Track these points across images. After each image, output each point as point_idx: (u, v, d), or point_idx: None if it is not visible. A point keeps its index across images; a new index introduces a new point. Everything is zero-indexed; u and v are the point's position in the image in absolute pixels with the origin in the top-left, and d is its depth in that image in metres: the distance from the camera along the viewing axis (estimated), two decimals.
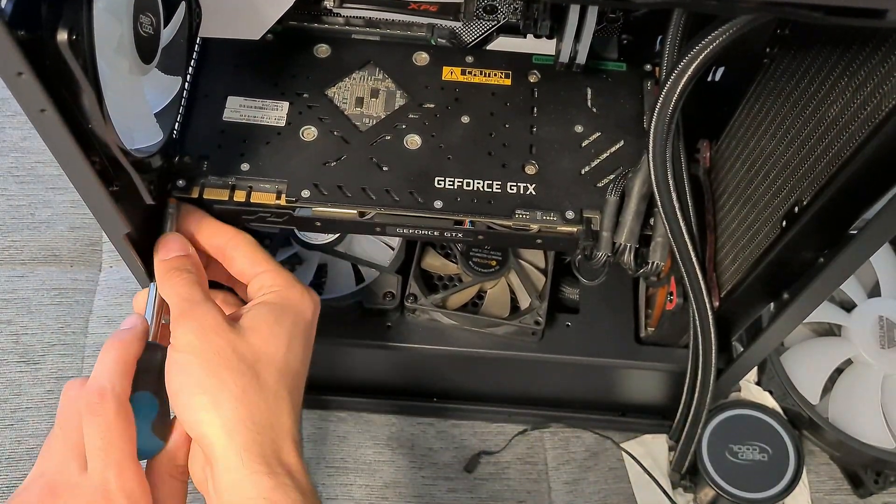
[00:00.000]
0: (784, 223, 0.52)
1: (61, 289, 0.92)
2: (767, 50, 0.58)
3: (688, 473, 0.81)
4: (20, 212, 0.96)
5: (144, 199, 0.51)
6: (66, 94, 0.40)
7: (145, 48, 0.48)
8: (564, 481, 0.85)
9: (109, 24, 0.44)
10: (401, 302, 0.70)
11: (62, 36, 0.38)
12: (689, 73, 0.47)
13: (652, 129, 0.51)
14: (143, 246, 0.53)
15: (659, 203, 0.54)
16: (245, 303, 0.56)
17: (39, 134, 0.41)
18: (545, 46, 0.61)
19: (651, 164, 0.53)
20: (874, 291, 0.87)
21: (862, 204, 0.48)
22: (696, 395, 0.68)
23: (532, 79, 0.61)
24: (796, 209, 0.50)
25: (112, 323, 0.90)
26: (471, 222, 0.57)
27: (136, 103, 0.49)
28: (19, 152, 0.99)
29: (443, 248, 0.74)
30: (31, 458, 0.82)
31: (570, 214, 0.56)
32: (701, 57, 0.45)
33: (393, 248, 0.72)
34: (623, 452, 0.84)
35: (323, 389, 0.83)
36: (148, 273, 0.55)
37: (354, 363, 0.79)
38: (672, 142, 0.52)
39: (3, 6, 0.35)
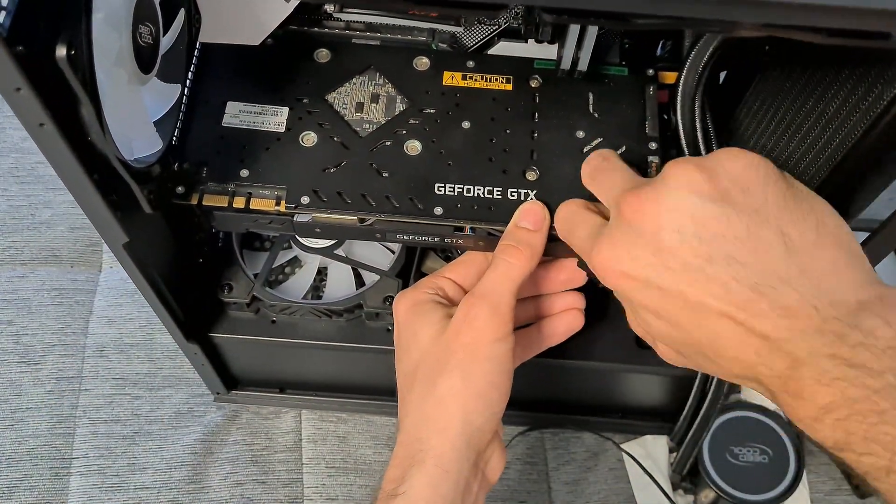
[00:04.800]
0: None
1: (61, 289, 0.91)
2: (766, 48, 0.58)
3: (688, 475, 0.81)
4: (20, 212, 0.95)
5: (143, 209, 0.51)
6: (65, 107, 0.40)
7: (144, 58, 0.48)
8: (565, 482, 0.85)
9: (108, 37, 0.43)
10: None
11: (61, 52, 0.38)
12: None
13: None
14: (142, 255, 0.53)
15: None
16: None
17: (38, 147, 0.41)
18: (547, 51, 0.61)
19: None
20: None
21: (860, 206, 0.48)
22: (708, 399, 0.68)
23: (533, 84, 0.61)
24: None
25: (112, 323, 0.90)
26: (471, 229, 0.57)
27: (136, 113, 0.49)
28: (19, 153, 0.99)
29: (443, 251, 0.74)
30: (31, 458, 0.82)
31: None
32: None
33: (393, 252, 0.72)
34: (623, 453, 0.84)
35: (323, 390, 0.84)
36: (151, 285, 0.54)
37: (355, 366, 0.79)
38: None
39: (0, 21, 0.35)
